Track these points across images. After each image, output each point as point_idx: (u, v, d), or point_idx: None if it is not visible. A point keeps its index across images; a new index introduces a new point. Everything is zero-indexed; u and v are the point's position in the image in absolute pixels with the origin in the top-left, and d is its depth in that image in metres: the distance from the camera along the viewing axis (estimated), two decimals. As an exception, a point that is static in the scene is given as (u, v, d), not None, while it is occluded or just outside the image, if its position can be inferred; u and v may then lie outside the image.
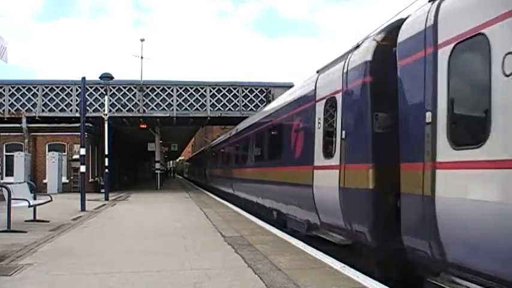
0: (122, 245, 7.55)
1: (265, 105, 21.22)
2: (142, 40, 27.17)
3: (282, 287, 4.66)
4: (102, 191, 20.21)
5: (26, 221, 10.06)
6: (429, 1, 4.53)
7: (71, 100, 23.75)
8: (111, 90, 22.91)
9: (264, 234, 8.57)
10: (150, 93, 24.42)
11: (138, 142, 34.70)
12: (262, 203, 11.73)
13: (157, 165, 30.36)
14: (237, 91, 25.16)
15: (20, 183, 12.61)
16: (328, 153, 6.97)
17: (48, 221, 10.29)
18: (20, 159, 21.58)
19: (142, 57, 26.28)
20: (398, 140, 4.94)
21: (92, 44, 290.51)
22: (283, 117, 9.85)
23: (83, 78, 14.75)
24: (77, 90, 23.21)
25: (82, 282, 5.00)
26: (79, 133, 15.66)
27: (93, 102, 23.48)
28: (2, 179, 21.52)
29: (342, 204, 6.33)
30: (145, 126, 26.70)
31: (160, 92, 24.48)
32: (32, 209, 10.09)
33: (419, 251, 4.54)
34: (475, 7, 3.87)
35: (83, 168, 14.26)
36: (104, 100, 20.61)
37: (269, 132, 11.57)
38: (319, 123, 7.36)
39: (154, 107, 24.43)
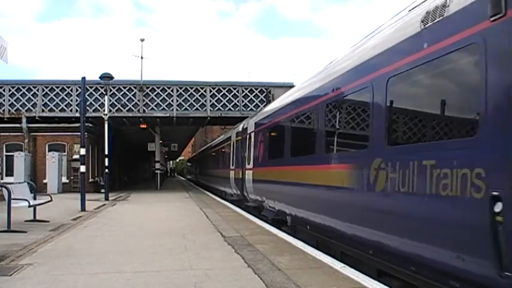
0: (122, 245, 7.54)
1: None
2: (142, 40, 27.25)
3: (282, 287, 4.66)
4: (102, 191, 20.21)
5: (26, 221, 10.05)
6: None
7: (71, 100, 23.75)
8: (111, 90, 22.91)
9: (264, 234, 8.56)
10: (150, 93, 24.42)
11: (138, 142, 34.73)
12: None
13: (157, 165, 30.38)
14: (237, 91, 25.16)
15: (20, 183, 12.62)
16: None
17: (48, 221, 10.29)
18: (20, 159, 21.59)
19: (142, 57, 26.35)
20: None
21: (92, 44, 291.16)
22: None
23: (83, 78, 14.75)
24: (77, 90, 23.20)
25: (82, 282, 4.99)
26: (79, 133, 15.66)
27: (93, 102, 23.48)
28: (2, 179, 21.51)
29: None
30: (145, 126, 26.72)
31: (160, 92, 24.48)
32: (32, 209, 10.10)
33: None
34: None
35: (83, 168, 14.26)
36: (104, 100, 20.61)
37: None
38: None
39: (154, 107, 24.43)
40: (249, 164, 13.54)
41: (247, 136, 14.13)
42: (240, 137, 15.85)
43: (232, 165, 17.07)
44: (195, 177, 43.94)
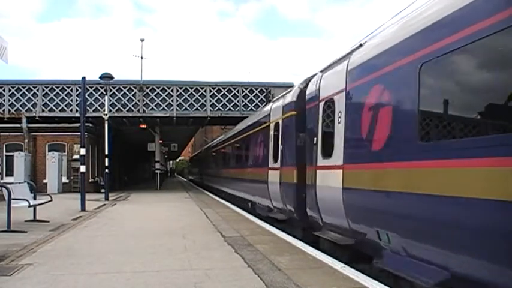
0: (122, 245, 7.54)
1: None
2: (142, 40, 27.21)
3: (282, 287, 4.66)
4: (102, 191, 20.20)
5: (26, 221, 10.05)
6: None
7: (71, 100, 23.74)
8: (111, 90, 22.90)
9: (264, 234, 8.56)
10: (150, 93, 24.41)
11: (138, 142, 34.71)
12: None
13: (157, 165, 30.37)
14: (237, 91, 25.15)
15: (20, 183, 12.61)
16: None
17: (48, 221, 10.28)
18: (20, 159, 21.58)
19: (142, 57, 26.31)
20: None
21: (92, 44, 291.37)
22: None
23: (83, 78, 14.75)
24: (77, 90, 23.20)
25: (82, 282, 4.99)
26: (79, 133, 15.65)
27: (93, 102, 23.47)
28: (2, 179, 21.51)
29: None
30: (145, 126, 26.71)
31: (160, 92, 24.48)
32: (32, 209, 10.09)
33: None
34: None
35: (83, 168, 14.26)
36: (104, 100, 20.61)
37: None
38: None
39: (154, 107, 24.42)
40: (326, 157, 7.08)
41: (319, 106, 7.59)
42: (291, 113, 9.27)
43: (275, 161, 10.43)
44: (200, 178, 36.04)
